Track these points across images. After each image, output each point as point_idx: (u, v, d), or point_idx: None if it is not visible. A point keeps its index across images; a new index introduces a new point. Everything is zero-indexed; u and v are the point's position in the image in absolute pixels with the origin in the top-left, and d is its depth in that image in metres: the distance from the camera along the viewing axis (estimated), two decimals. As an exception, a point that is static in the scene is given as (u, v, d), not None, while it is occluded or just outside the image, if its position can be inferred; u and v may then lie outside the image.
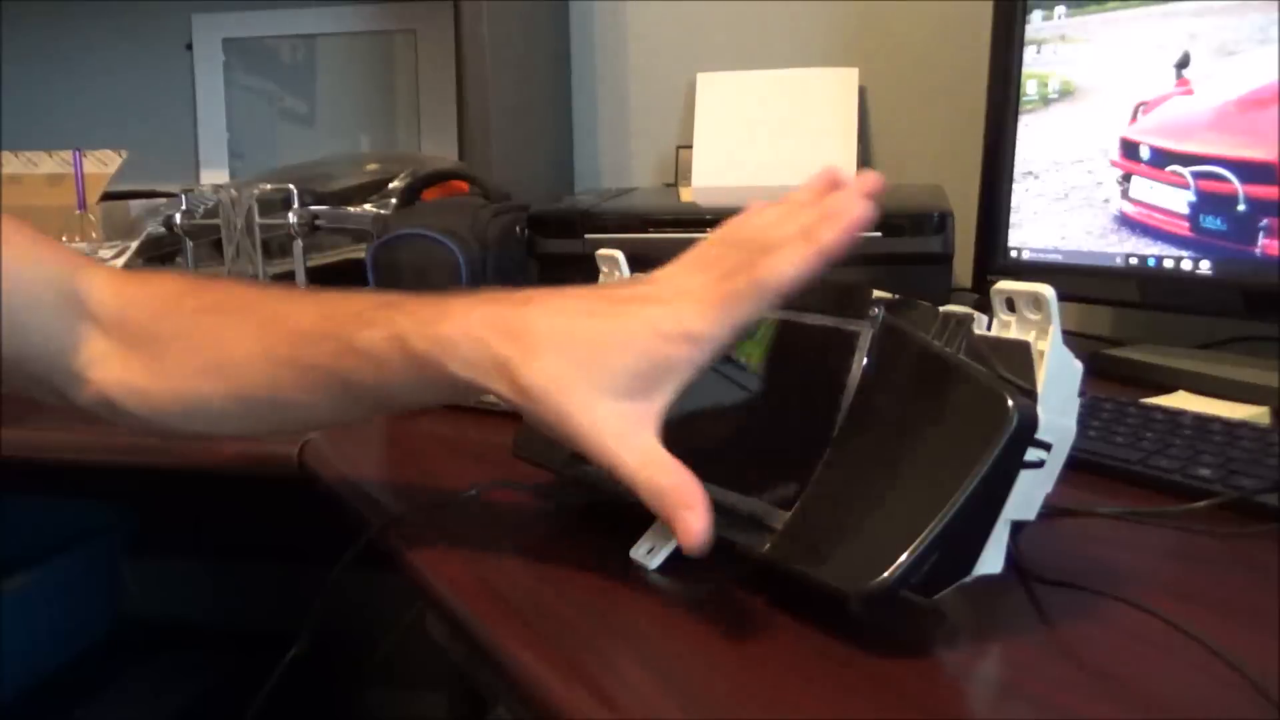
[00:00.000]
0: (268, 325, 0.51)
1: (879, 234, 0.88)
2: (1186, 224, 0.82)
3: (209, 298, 0.53)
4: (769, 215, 0.48)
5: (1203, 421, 0.65)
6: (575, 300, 0.45)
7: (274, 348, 0.50)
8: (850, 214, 0.43)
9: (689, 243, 0.91)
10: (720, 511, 0.49)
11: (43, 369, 0.54)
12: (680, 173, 1.31)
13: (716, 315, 0.43)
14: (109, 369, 0.53)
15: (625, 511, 0.53)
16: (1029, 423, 0.40)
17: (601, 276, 0.64)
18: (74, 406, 0.55)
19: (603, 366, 0.43)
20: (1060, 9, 0.91)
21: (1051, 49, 0.92)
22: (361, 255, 0.98)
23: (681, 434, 0.53)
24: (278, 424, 0.54)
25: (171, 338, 0.52)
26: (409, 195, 1.06)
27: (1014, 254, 0.95)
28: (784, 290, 0.43)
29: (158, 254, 1.14)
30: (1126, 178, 0.87)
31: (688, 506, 0.42)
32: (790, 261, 0.43)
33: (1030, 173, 0.94)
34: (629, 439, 0.43)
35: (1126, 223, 0.87)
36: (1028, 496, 0.42)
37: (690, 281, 0.45)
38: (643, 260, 0.62)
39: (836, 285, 0.49)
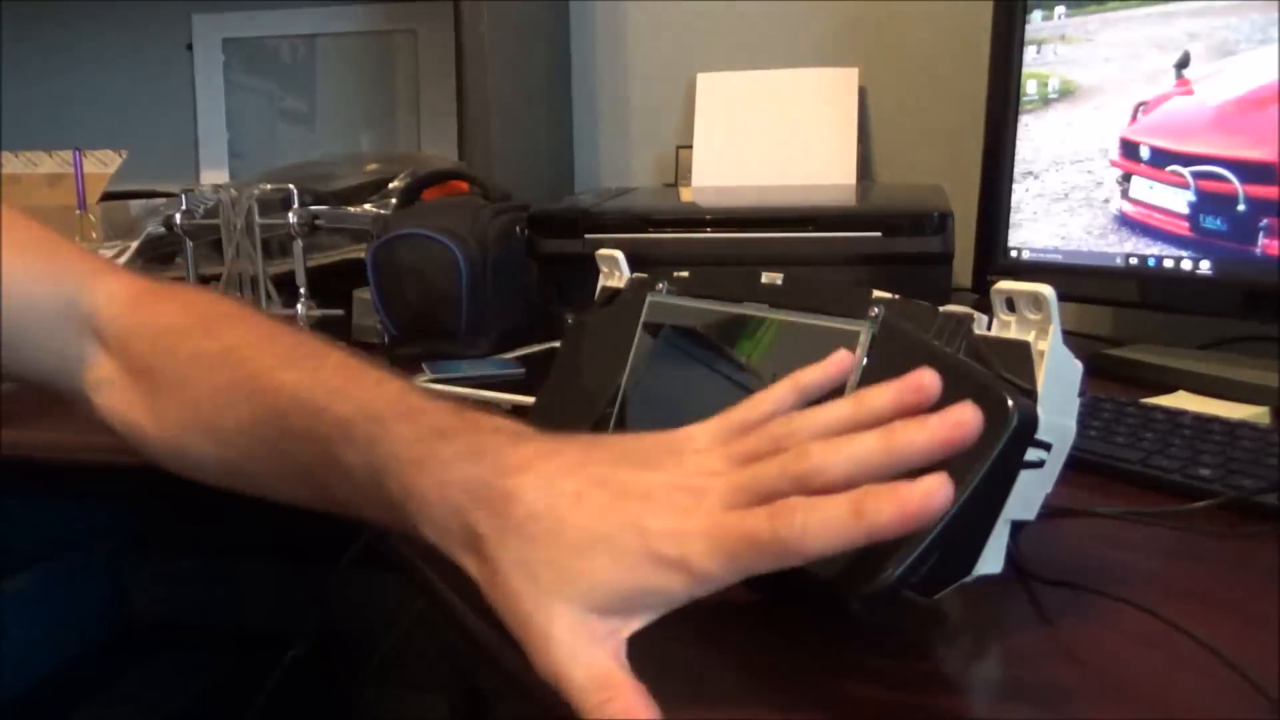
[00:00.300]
0: (260, 399, 0.48)
1: (879, 234, 0.88)
2: (1186, 224, 0.82)
3: (211, 344, 0.51)
4: (830, 415, 0.40)
5: (1203, 421, 0.65)
6: (571, 476, 0.39)
7: (262, 430, 0.48)
8: (927, 498, 0.33)
9: (689, 243, 0.92)
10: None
11: (47, 381, 0.55)
12: (680, 173, 1.31)
13: (724, 560, 0.36)
14: (110, 397, 0.54)
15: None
16: (1029, 423, 0.40)
17: (601, 276, 0.64)
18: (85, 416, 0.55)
19: (579, 575, 0.37)
20: (1060, 9, 0.91)
21: (1051, 49, 0.92)
22: (361, 255, 0.98)
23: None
24: (261, 493, 0.52)
25: (168, 382, 0.52)
26: (409, 195, 1.06)
27: (1014, 254, 0.95)
28: (808, 560, 0.35)
29: (157, 254, 1.14)
30: (1126, 178, 0.87)
31: None
32: (825, 540, 0.34)
33: (1030, 173, 0.94)
34: (582, 653, 0.36)
35: (1126, 223, 0.87)
36: (1028, 496, 0.42)
37: (711, 482, 0.38)
38: (643, 260, 0.63)
39: (836, 285, 0.49)
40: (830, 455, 0.36)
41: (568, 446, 0.41)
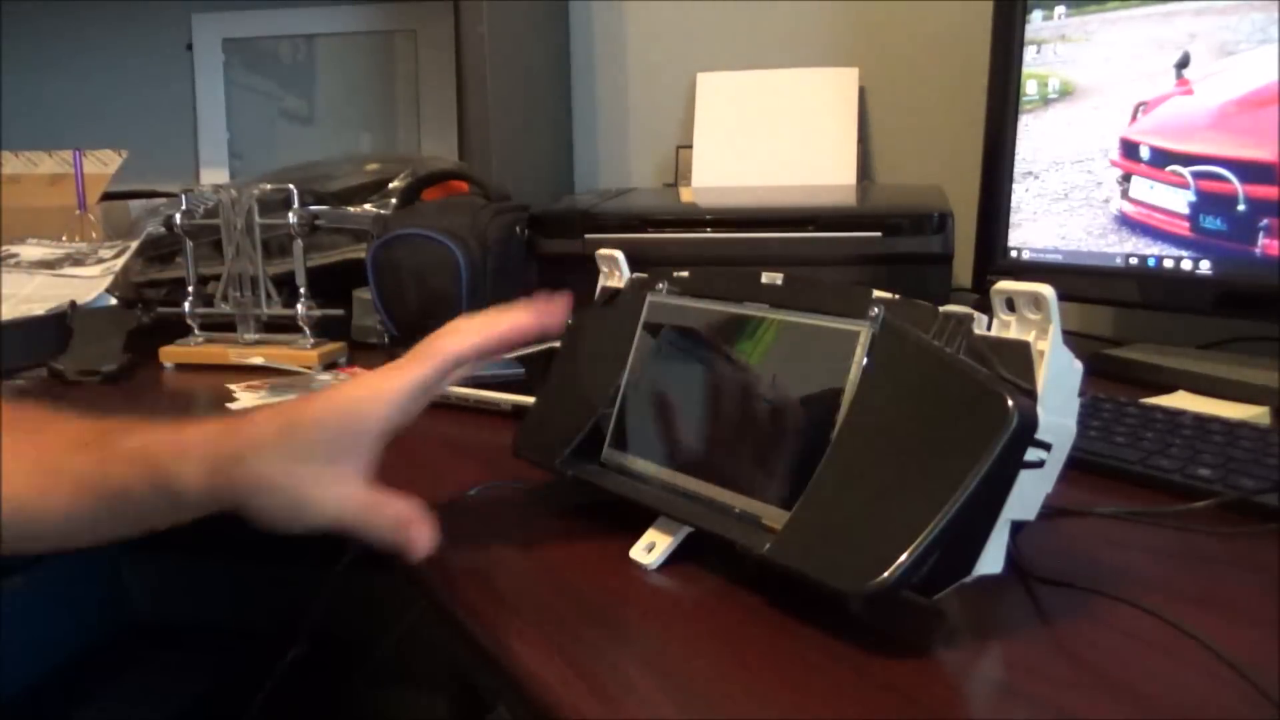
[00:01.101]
0: (36, 437, 0.55)
1: (879, 234, 0.88)
2: (1186, 224, 0.82)
3: None
4: (458, 322, 0.57)
5: (1203, 421, 0.65)
6: (281, 409, 0.52)
7: (42, 457, 0.54)
8: (516, 316, 0.52)
9: (689, 243, 0.93)
10: (720, 511, 0.49)
11: None
12: (680, 173, 1.31)
13: (401, 375, 0.50)
14: None
15: (625, 511, 0.53)
16: (1029, 423, 0.40)
17: (601, 276, 0.64)
18: None
19: (309, 448, 0.49)
20: (1060, 9, 0.91)
21: (1051, 49, 0.92)
22: (361, 255, 0.98)
23: (682, 433, 0.53)
24: (47, 542, 0.56)
25: None
26: (409, 195, 1.06)
27: (1014, 254, 0.95)
28: (460, 358, 0.51)
29: (158, 254, 1.14)
30: (1126, 178, 0.87)
31: (410, 524, 0.50)
32: (464, 338, 0.51)
33: (1030, 173, 0.94)
34: (344, 496, 0.49)
35: (1126, 223, 0.87)
36: (1028, 496, 0.42)
37: (385, 368, 0.53)
38: (643, 260, 0.63)
39: (836, 285, 0.49)
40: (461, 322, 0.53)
41: (268, 405, 0.54)
